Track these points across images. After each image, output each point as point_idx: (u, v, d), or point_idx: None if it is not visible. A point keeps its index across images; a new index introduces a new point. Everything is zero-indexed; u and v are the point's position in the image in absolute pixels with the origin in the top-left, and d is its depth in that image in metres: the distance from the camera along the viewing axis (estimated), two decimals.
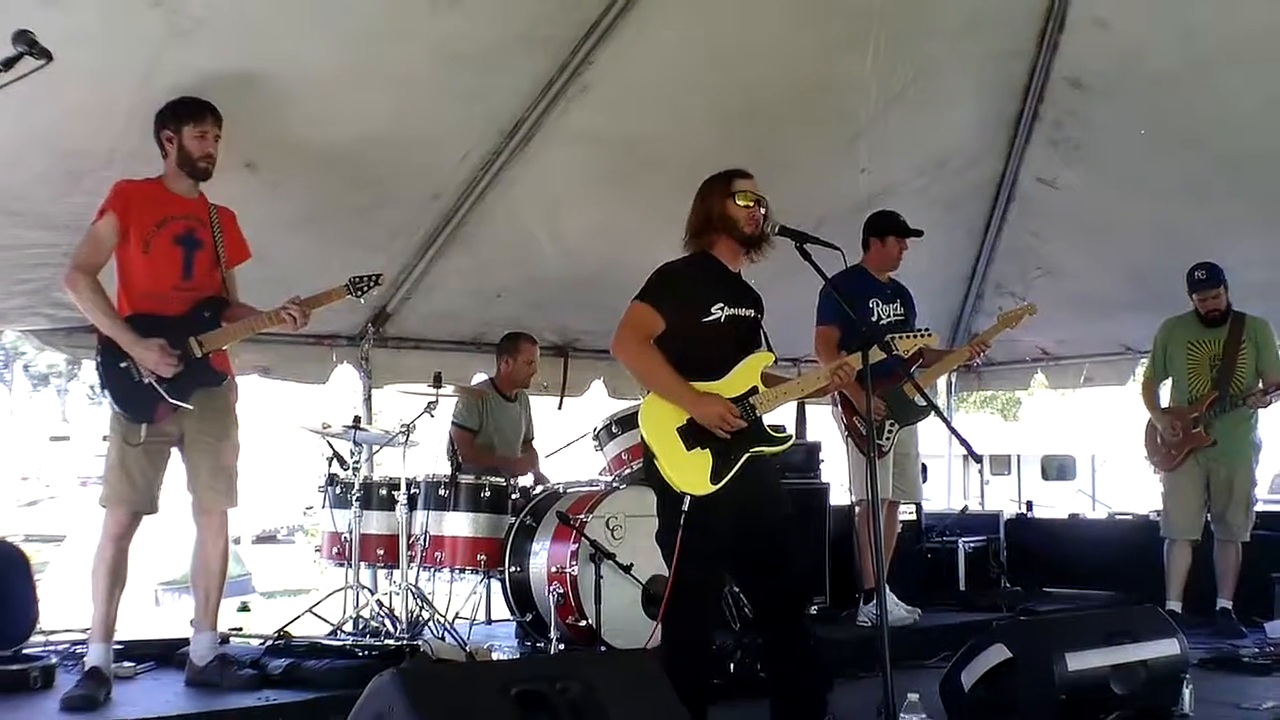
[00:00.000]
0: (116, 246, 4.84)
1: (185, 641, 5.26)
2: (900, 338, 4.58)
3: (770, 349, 4.42)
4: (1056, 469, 26.10)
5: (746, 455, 4.21)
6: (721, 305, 4.30)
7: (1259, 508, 7.16)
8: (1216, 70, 6.68)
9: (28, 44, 3.34)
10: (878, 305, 6.47)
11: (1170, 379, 7.17)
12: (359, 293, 5.21)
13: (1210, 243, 7.21)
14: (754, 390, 4.27)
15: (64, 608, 6.40)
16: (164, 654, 5.57)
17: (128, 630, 5.12)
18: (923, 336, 4.70)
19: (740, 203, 4.32)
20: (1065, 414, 29.63)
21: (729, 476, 4.16)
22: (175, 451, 4.96)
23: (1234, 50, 6.52)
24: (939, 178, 7.95)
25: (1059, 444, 26.82)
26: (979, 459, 4.21)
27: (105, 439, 5.01)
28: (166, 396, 4.76)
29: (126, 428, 4.81)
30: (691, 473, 4.15)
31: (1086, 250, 8.50)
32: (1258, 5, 6.21)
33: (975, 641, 4.53)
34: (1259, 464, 7.03)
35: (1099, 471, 25.48)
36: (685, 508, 4.10)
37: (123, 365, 4.74)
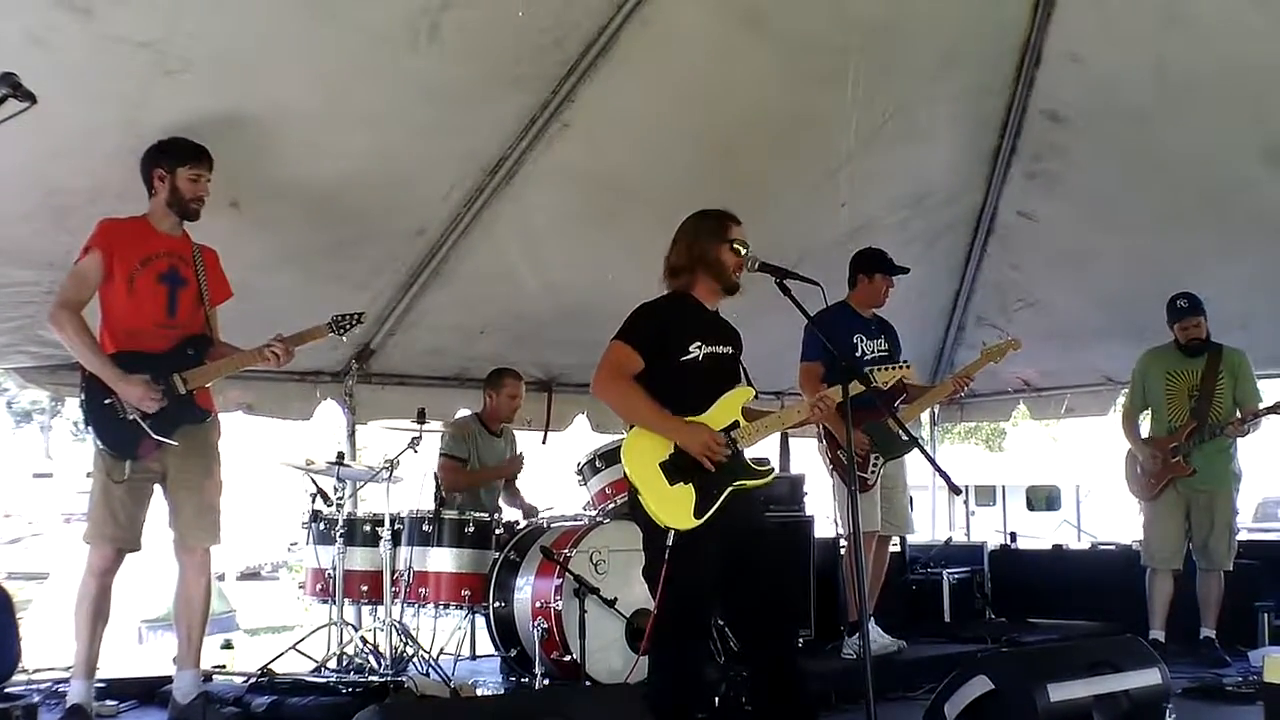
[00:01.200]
0: (101, 284, 4.86)
1: (168, 679, 5.24)
2: (880, 369, 4.62)
3: (750, 384, 4.46)
4: (1042, 499, 26.13)
5: (729, 489, 4.23)
6: (699, 344, 4.34)
7: (1241, 536, 7.19)
8: (1190, 102, 6.74)
9: (12, 86, 3.36)
10: (861, 341, 6.48)
11: (1149, 409, 7.21)
12: (341, 331, 5.26)
13: (1188, 273, 7.27)
14: (735, 425, 4.31)
15: (47, 646, 6.37)
16: (147, 692, 5.56)
17: (110, 668, 5.11)
18: (900, 369, 4.76)
19: (736, 249, 4.36)
20: (1049, 444, 29.73)
21: (711, 510, 4.18)
22: (158, 489, 4.96)
23: (1207, 83, 6.59)
24: (919, 212, 8.02)
25: (1044, 474, 26.86)
26: (959, 491, 4.22)
27: (89, 476, 5.00)
28: (150, 433, 4.77)
29: (111, 464, 4.81)
30: (675, 507, 4.17)
31: (1066, 282, 8.58)
32: (1229, 39, 6.28)
33: (958, 673, 4.52)
34: (1239, 493, 7.06)
35: (1084, 502, 25.48)
36: (669, 542, 4.12)
37: (107, 402, 4.75)
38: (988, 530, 17.76)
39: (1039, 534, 16.76)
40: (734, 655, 5.55)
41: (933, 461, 4.46)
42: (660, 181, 6.65)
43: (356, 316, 5.30)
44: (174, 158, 4.96)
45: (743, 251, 4.37)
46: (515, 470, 7.22)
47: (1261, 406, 6.83)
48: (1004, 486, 25.96)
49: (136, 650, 12.39)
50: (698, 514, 4.17)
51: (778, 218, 6.86)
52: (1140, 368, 7.23)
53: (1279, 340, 7.70)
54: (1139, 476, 7.12)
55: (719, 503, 4.20)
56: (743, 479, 4.29)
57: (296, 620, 14.27)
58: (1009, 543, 9.43)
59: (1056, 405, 9.63)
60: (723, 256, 4.39)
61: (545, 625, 5.69)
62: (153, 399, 4.73)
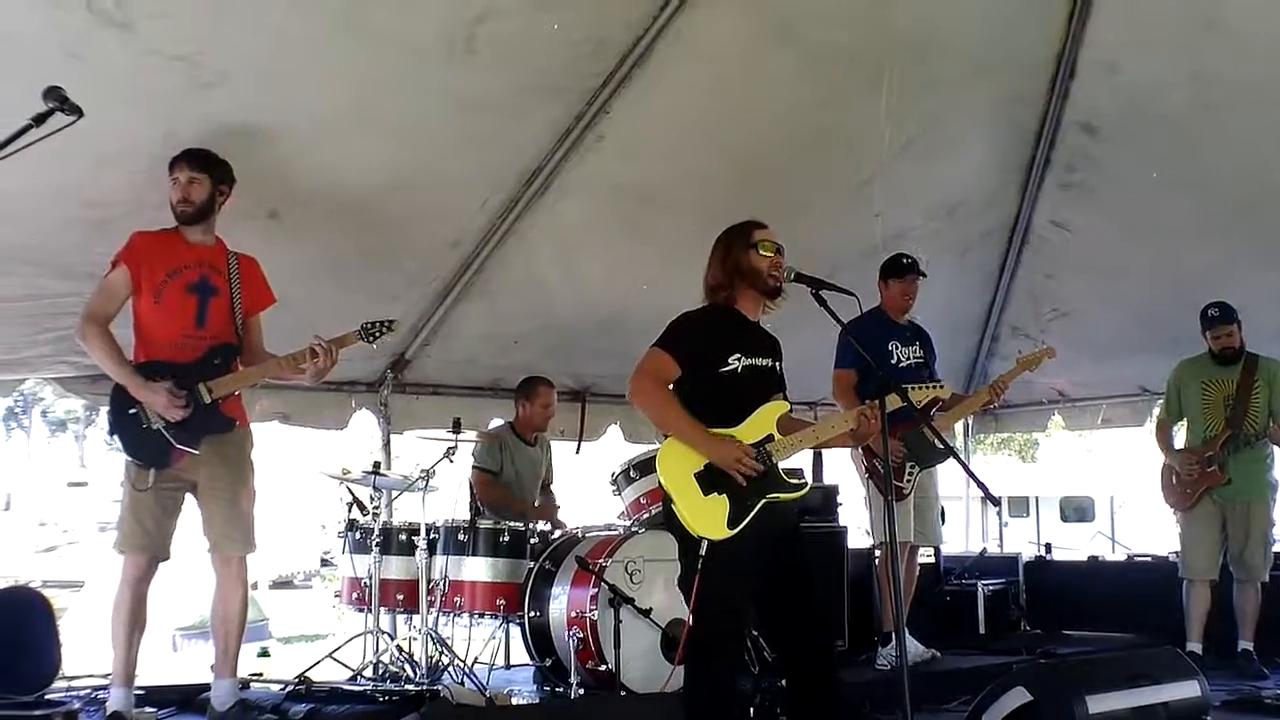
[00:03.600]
0: (131, 297, 4.92)
1: (206, 687, 5.27)
2: (914, 388, 4.62)
3: (785, 396, 4.46)
4: (1075, 511, 25.95)
5: (763, 502, 4.24)
6: (739, 356, 4.33)
7: (1278, 547, 7.13)
8: (1227, 113, 6.72)
9: (59, 100, 3.40)
10: (896, 348, 6.48)
11: (1184, 419, 7.17)
12: (371, 338, 5.25)
13: (1223, 284, 7.22)
14: (769, 438, 4.31)
15: (84, 653, 6.42)
16: (185, 700, 5.59)
17: (146, 676, 5.14)
18: (936, 389, 4.79)
19: (763, 253, 4.37)
20: (1083, 455, 29.53)
21: (745, 522, 4.18)
22: (190, 498, 5.00)
23: (1244, 94, 6.56)
24: (952, 222, 8.01)
25: (1077, 485, 26.68)
26: (997, 502, 4.22)
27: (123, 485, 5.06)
28: (174, 442, 4.80)
29: (136, 473, 4.86)
30: (708, 517, 4.17)
31: (1101, 292, 8.54)
32: (1266, 49, 6.25)
33: (996, 685, 4.52)
34: (1276, 503, 7.01)
35: (1118, 513, 25.31)
36: (703, 552, 4.13)
37: (131, 412, 4.79)
38: (1021, 541, 17.66)
39: (1073, 545, 16.66)
40: (768, 666, 5.55)
41: (970, 472, 4.45)
42: (693, 193, 6.67)
43: (387, 324, 5.28)
44: (168, 173, 5.02)
45: (771, 253, 4.37)
46: (544, 517, 7.16)
47: None
48: (1037, 497, 25.82)
49: (171, 658, 12.49)
50: (731, 525, 4.16)
51: (811, 228, 6.87)
52: (1174, 378, 7.19)
53: None
54: (1175, 487, 7.07)
55: (752, 514, 4.20)
56: (776, 492, 4.29)
57: (329, 629, 14.35)
58: (1044, 554, 9.37)
59: (1092, 416, 9.58)
60: (754, 262, 4.38)
61: (580, 635, 5.70)
62: (176, 407, 4.77)
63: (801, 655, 4.33)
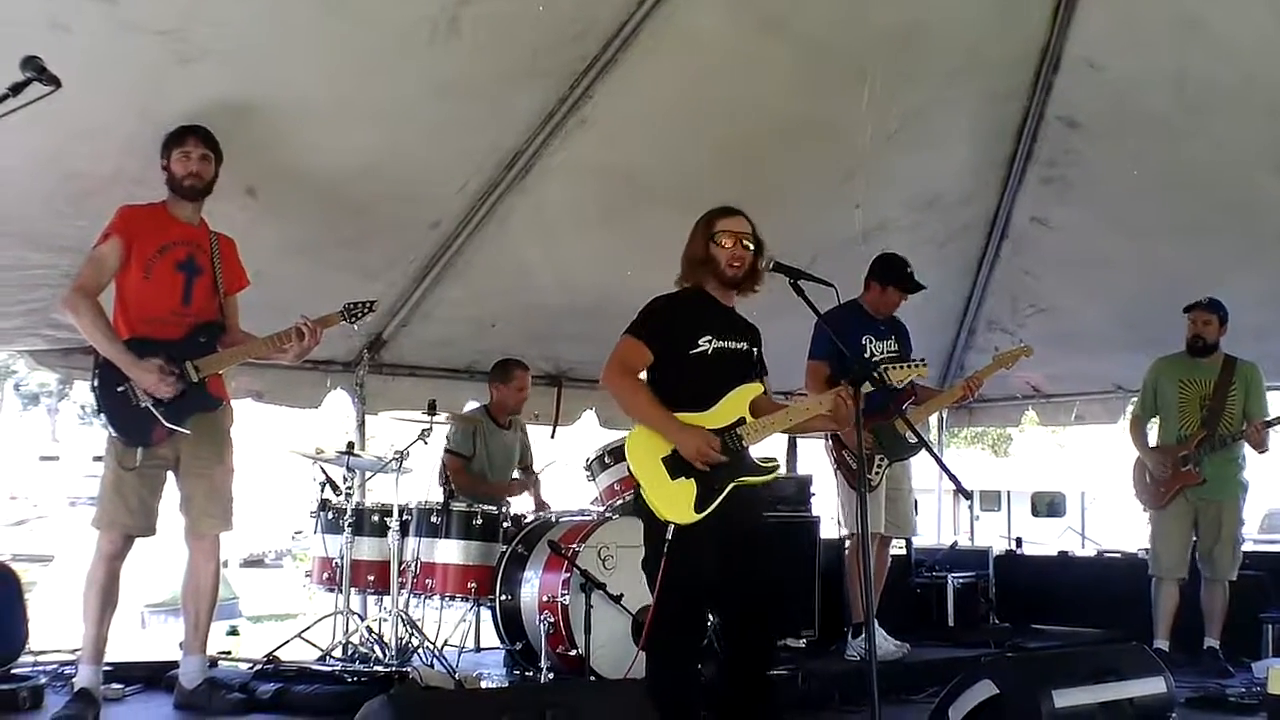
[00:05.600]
0: (118, 270, 4.87)
1: (173, 664, 5.28)
2: (894, 368, 4.60)
3: (762, 379, 4.47)
4: (1046, 505, 26.04)
5: (731, 485, 4.25)
6: (709, 338, 4.36)
7: (1246, 547, 7.18)
8: (1209, 113, 6.74)
9: (36, 70, 3.38)
10: (871, 342, 6.45)
11: (1159, 417, 7.20)
12: (353, 319, 5.25)
13: (1202, 283, 7.22)
14: (741, 421, 4.32)
15: (52, 628, 6.38)
16: (152, 676, 5.57)
17: (114, 652, 5.12)
18: (916, 366, 4.75)
19: (721, 243, 4.39)
20: (1055, 451, 29.69)
21: (713, 506, 4.20)
22: (171, 475, 4.98)
23: (1226, 94, 6.58)
24: (933, 215, 8.02)
25: (1049, 480, 26.80)
26: (969, 496, 4.28)
27: (96, 460, 5.02)
28: (163, 420, 4.79)
29: (122, 451, 4.83)
30: (675, 501, 4.20)
31: (1079, 288, 8.57)
32: (1249, 49, 6.28)
33: (962, 677, 4.54)
34: (1245, 504, 7.05)
35: (1089, 509, 25.46)
36: (669, 536, 4.15)
37: (120, 389, 4.76)
38: (992, 535, 17.76)
39: (1043, 540, 16.71)
40: None
41: (943, 465, 4.47)
42: (675, 179, 6.66)
43: (369, 304, 5.29)
44: (168, 144, 5.00)
45: (729, 244, 4.38)
46: (517, 493, 7.17)
47: (1269, 417, 6.82)
48: (1009, 492, 25.96)
49: (140, 634, 12.42)
50: (698, 509, 4.19)
51: (792, 217, 6.85)
52: (1152, 375, 7.21)
53: None
54: (1148, 485, 7.10)
55: (720, 499, 4.22)
56: (745, 476, 4.31)
57: (299, 608, 14.30)
58: (1015, 548, 9.41)
59: (1066, 412, 9.60)
60: (710, 252, 4.42)
61: (552, 619, 5.71)
62: (167, 384, 4.75)
63: (739, 646, 4.36)
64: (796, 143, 6.85)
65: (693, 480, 4.21)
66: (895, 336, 6.60)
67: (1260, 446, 6.83)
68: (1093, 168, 7.64)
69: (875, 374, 4.40)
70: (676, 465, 4.22)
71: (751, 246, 4.41)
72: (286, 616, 14.45)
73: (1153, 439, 7.24)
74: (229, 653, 6.32)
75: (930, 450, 4.71)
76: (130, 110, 5.12)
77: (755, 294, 4.52)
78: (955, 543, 9.81)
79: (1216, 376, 6.91)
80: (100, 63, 4.81)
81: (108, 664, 5.08)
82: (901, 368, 4.67)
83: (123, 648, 5.43)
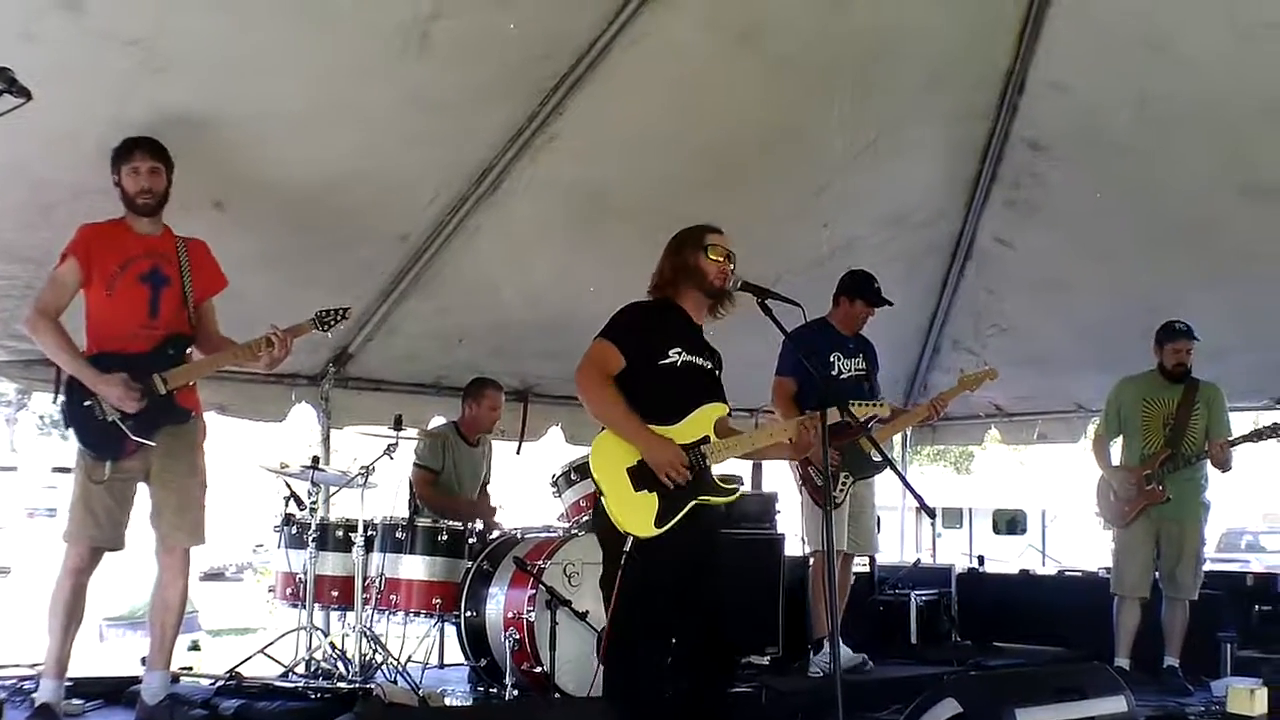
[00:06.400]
0: (82, 288, 4.84)
1: (134, 679, 5.22)
2: (856, 405, 4.65)
3: (724, 401, 4.49)
4: (1007, 523, 26.25)
5: (692, 503, 4.26)
6: (680, 350, 4.39)
7: (1207, 567, 7.24)
8: (1170, 134, 6.82)
9: (7, 82, 3.36)
10: (839, 359, 6.50)
11: (1123, 436, 7.25)
12: (325, 327, 5.19)
13: (1164, 305, 7.29)
14: (706, 439, 4.34)
15: (10, 642, 6.31)
16: (113, 692, 5.49)
17: (72, 667, 5.06)
18: (876, 406, 4.83)
19: (711, 256, 4.43)
20: (1016, 469, 29.89)
21: (673, 522, 4.21)
22: (142, 488, 4.93)
23: (1188, 115, 6.66)
24: (899, 234, 8.06)
25: (1010, 499, 27.00)
26: (933, 514, 4.28)
27: (55, 471, 4.97)
28: (130, 434, 4.74)
29: (91, 465, 4.78)
30: (636, 513, 4.21)
31: (1041, 309, 8.64)
32: (1212, 72, 6.36)
33: (926, 696, 4.54)
34: (1207, 523, 7.12)
35: (1049, 527, 25.64)
36: (627, 548, 4.15)
37: (86, 404, 4.72)
38: (954, 553, 17.83)
39: (1004, 558, 16.82)
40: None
41: (907, 483, 4.50)
42: (645, 196, 6.68)
43: (342, 312, 5.22)
44: (116, 160, 4.92)
45: (719, 258, 4.42)
46: (487, 516, 7.13)
47: (1231, 437, 6.89)
48: (971, 509, 26.10)
49: (98, 648, 12.28)
50: (659, 523, 4.20)
51: (761, 235, 6.85)
52: (1116, 394, 7.26)
53: (1252, 374, 7.76)
54: (1112, 504, 7.14)
55: (681, 515, 4.23)
56: (707, 495, 4.32)
57: (260, 623, 14.18)
58: (977, 566, 9.46)
59: (1029, 431, 9.68)
60: (700, 263, 4.45)
61: (517, 636, 5.69)
62: (132, 399, 4.70)
63: (696, 667, 4.35)
64: (766, 160, 6.89)
65: (656, 494, 4.22)
66: (863, 355, 6.66)
67: (1223, 466, 6.88)
68: (1056, 189, 7.70)
69: (842, 408, 4.43)
70: (641, 477, 4.23)
71: (733, 267, 4.45)
72: (246, 631, 14.34)
73: (1115, 457, 7.29)
74: (190, 668, 6.26)
75: (895, 468, 4.76)
76: (98, 121, 5.08)
77: (724, 316, 4.54)
78: (918, 560, 9.85)
79: (1180, 396, 6.97)
80: (69, 72, 4.78)
81: (68, 679, 5.02)
82: (863, 405, 4.72)
83: (81, 662, 5.37)
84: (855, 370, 6.56)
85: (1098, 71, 6.80)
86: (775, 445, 4.55)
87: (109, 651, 11.45)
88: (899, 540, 11.15)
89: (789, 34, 6.27)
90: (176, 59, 4.99)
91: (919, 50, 6.67)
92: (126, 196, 4.91)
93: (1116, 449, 7.29)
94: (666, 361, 4.36)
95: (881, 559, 8.65)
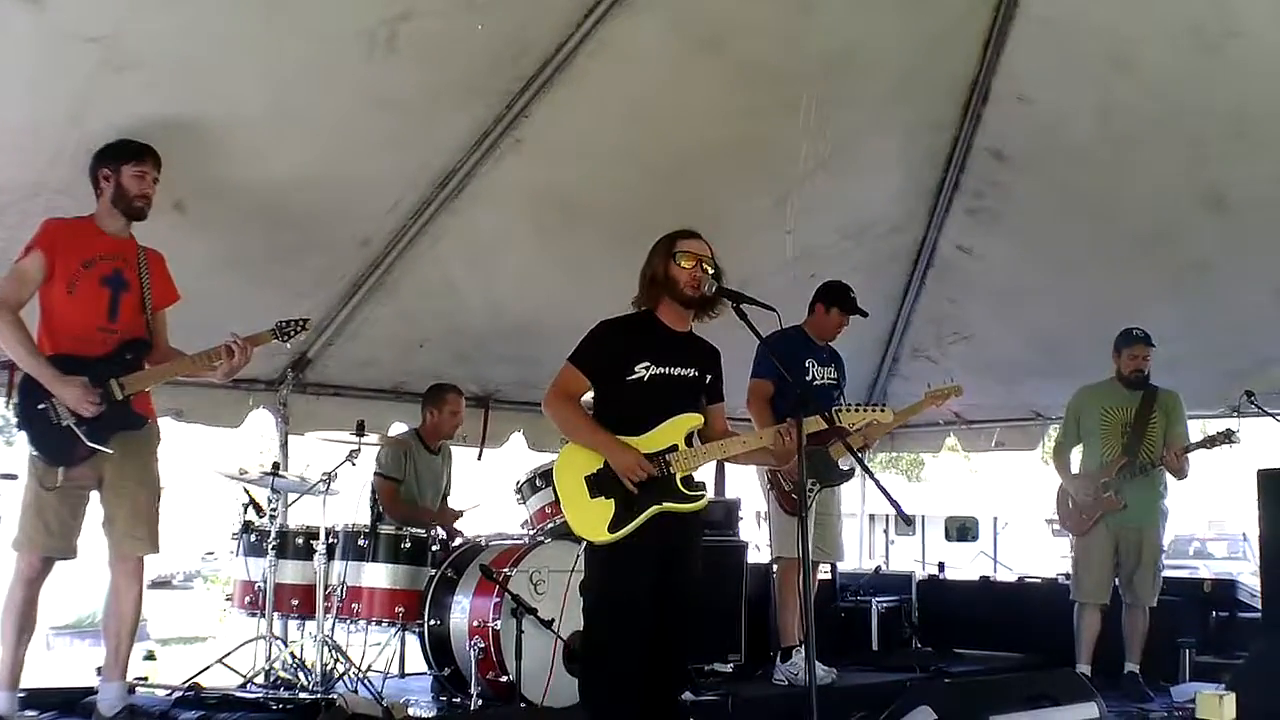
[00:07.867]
0: (42, 285, 4.73)
1: (88, 690, 5.12)
2: (848, 409, 4.64)
3: (718, 400, 4.56)
4: (959, 530, 26.47)
5: (652, 509, 4.27)
6: (647, 365, 4.40)
7: (1165, 574, 7.30)
8: (1131, 146, 6.89)
9: None
10: (813, 366, 6.54)
11: (1082, 444, 7.29)
12: (285, 337, 5.14)
13: (1122, 314, 7.32)
14: (674, 448, 4.34)
15: None
16: (68, 703, 5.37)
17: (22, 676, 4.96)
18: (877, 410, 4.81)
19: (682, 264, 4.41)
20: (968, 476, 30.11)
21: (629, 527, 4.25)
22: (95, 495, 4.83)
23: (1149, 127, 6.74)
24: (861, 242, 8.09)
25: (962, 506, 27.21)
26: (910, 521, 4.31)
27: (2, 478, 4.88)
28: (85, 439, 4.64)
29: (43, 471, 4.68)
30: (590, 520, 4.28)
31: (1001, 317, 8.69)
32: (1174, 85, 6.43)
33: (900, 703, 4.57)
34: (1165, 531, 7.17)
35: (1001, 533, 25.86)
36: (580, 551, 4.21)
37: (41, 407, 4.62)
38: (906, 559, 17.93)
39: (957, 564, 16.96)
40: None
41: (885, 491, 4.45)
42: (609, 201, 6.67)
43: (301, 323, 5.18)
44: (119, 156, 4.86)
45: (688, 265, 4.42)
46: (449, 522, 7.07)
47: (1188, 444, 6.95)
48: (924, 516, 26.24)
49: (44, 657, 12.07)
50: (612, 529, 4.25)
51: (725, 242, 6.66)
52: (1075, 402, 7.30)
53: (1206, 383, 7.81)
54: (1071, 511, 7.18)
55: (639, 520, 4.25)
56: (670, 501, 4.33)
57: (210, 631, 14.03)
58: (937, 573, 9.50)
59: (986, 438, 9.73)
60: (671, 272, 4.45)
61: (482, 644, 5.62)
62: (90, 402, 4.61)
63: (657, 676, 4.35)
64: (730, 167, 6.88)
65: (612, 501, 4.27)
66: (835, 365, 6.71)
67: (1179, 473, 6.94)
68: (1017, 199, 7.77)
69: (824, 416, 4.43)
70: (598, 484, 4.29)
71: (710, 270, 4.42)
72: (196, 640, 14.19)
73: (1075, 465, 7.33)
74: (146, 678, 6.14)
75: (873, 476, 4.70)
76: (57, 120, 5.00)
77: (711, 320, 4.53)
78: (879, 567, 9.86)
79: (1138, 404, 7.02)
80: (27, 70, 4.72)
81: (21, 690, 4.92)
82: (857, 410, 4.72)
83: (28, 671, 5.25)
84: (828, 379, 6.59)
85: (1061, 83, 6.85)
86: (756, 451, 4.54)
87: (56, 660, 11.27)
88: (857, 547, 11.16)
89: (753, 42, 6.28)
90: (138, 58, 4.91)
91: (883, 59, 6.71)
92: (123, 195, 4.84)
93: (1076, 457, 7.34)
94: (633, 377, 4.38)
95: (843, 566, 8.66)
